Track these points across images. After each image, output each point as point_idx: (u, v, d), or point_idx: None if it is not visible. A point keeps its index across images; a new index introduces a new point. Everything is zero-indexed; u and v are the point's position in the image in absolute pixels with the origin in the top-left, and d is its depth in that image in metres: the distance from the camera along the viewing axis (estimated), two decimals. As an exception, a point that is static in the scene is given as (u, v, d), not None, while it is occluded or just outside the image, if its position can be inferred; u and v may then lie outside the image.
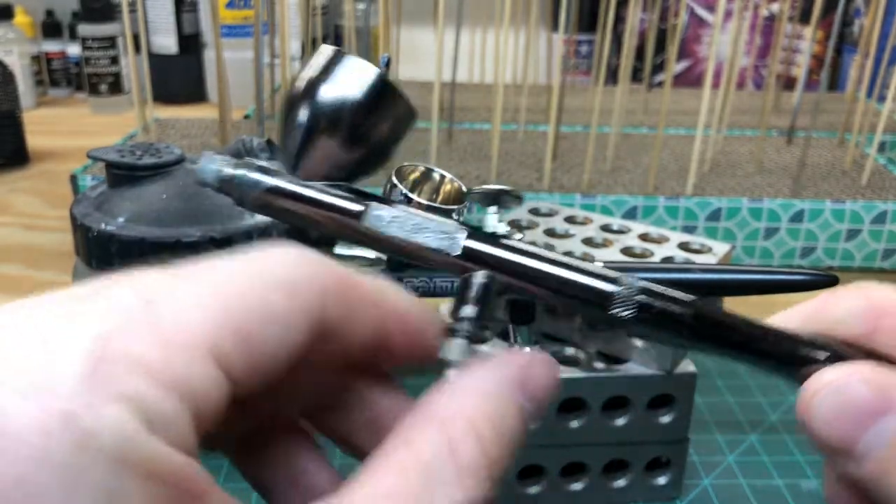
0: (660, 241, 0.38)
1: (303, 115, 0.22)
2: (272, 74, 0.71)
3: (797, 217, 0.58)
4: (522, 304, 0.33)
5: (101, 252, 0.38)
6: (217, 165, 0.22)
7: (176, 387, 0.15)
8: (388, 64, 0.37)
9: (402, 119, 0.24)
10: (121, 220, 0.39)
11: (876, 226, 0.58)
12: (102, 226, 0.38)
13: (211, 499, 0.16)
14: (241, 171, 0.22)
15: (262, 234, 0.39)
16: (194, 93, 1.02)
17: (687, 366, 0.34)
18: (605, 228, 0.39)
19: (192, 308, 0.16)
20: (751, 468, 0.39)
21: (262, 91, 0.61)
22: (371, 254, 0.44)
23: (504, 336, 0.36)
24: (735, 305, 0.62)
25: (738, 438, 0.41)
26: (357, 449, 0.22)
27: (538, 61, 0.81)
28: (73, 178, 0.59)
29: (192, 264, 0.18)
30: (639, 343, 0.34)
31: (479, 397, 0.18)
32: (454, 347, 0.20)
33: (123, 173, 0.41)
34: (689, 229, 0.58)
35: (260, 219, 0.40)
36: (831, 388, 0.17)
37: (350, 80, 0.23)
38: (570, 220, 0.40)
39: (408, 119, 0.24)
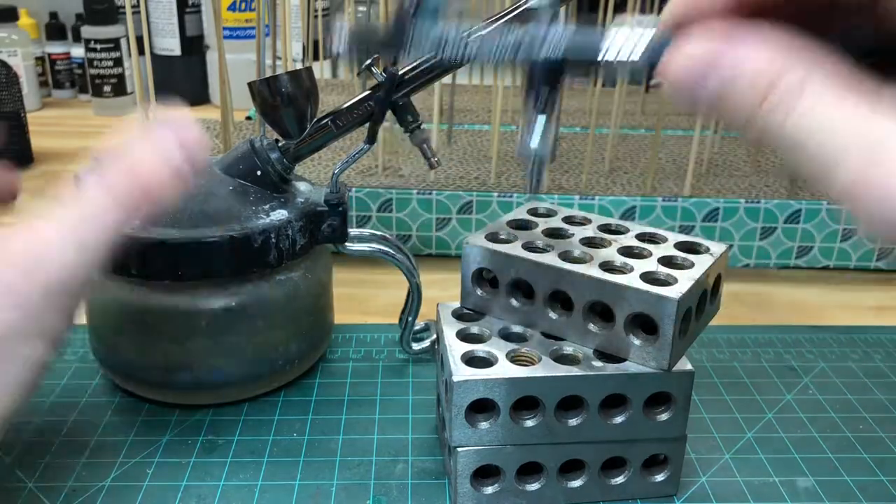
0: (657, 240, 0.39)
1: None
2: (274, 76, 0.71)
3: (794, 217, 0.58)
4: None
5: (119, 254, 0.39)
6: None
7: None
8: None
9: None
10: (137, 222, 0.39)
11: (872, 226, 0.58)
12: (117, 228, 0.38)
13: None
14: None
15: (279, 231, 0.40)
16: (197, 94, 1.03)
17: (684, 364, 0.35)
18: (604, 228, 0.40)
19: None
20: (747, 466, 0.39)
21: (265, 93, 0.62)
22: (373, 247, 0.45)
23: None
24: (733, 307, 0.62)
25: (735, 436, 0.41)
26: None
27: (538, 63, 0.81)
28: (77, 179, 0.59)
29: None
30: (637, 341, 0.35)
31: None
32: None
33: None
34: (687, 229, 0.59)
35: (276, 217, 0.40)
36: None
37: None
38: (569, 220, 0.41)
39: None
